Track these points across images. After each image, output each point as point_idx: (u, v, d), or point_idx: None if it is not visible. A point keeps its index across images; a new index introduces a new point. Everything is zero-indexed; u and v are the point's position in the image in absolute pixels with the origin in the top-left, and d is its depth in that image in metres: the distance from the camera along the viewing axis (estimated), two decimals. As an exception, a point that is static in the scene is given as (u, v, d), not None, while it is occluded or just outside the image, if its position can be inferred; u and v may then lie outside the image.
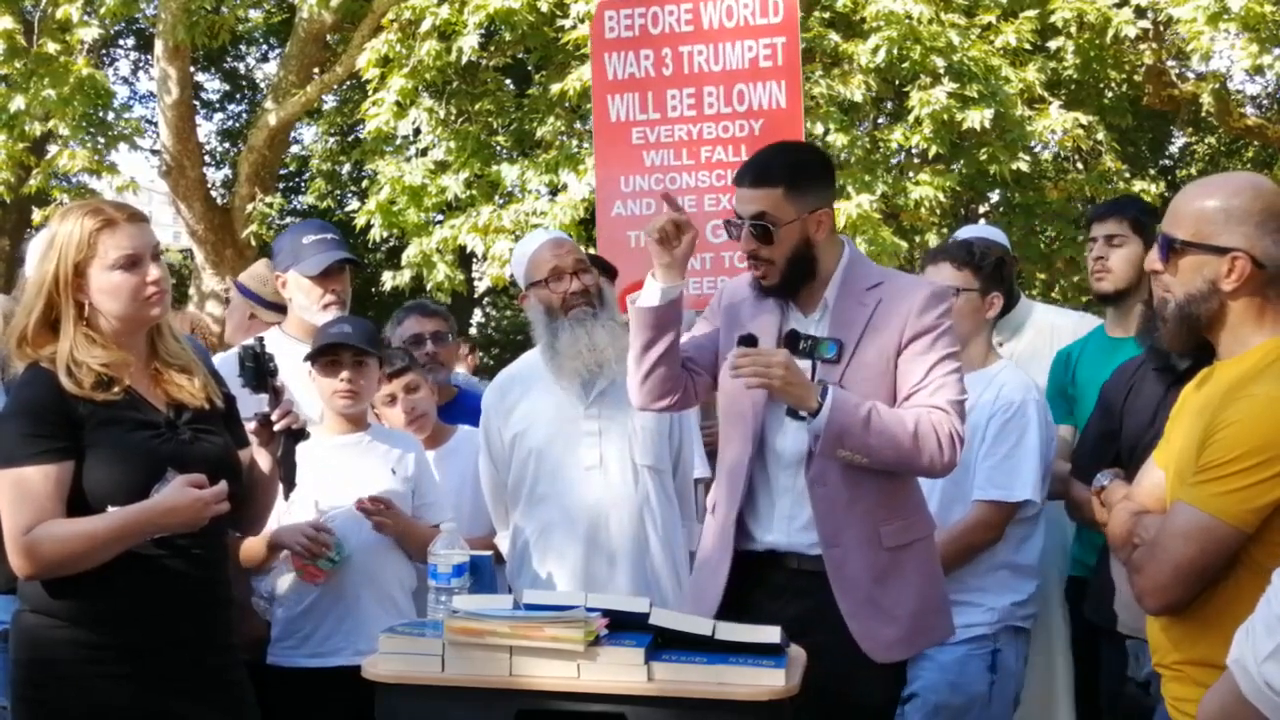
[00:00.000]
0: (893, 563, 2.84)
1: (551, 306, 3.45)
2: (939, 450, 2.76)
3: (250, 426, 2.87)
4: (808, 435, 2.79)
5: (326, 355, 3.36)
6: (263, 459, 2.88)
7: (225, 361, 3.45)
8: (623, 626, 2.49)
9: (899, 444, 2.74)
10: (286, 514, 3.26)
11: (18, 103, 9.30)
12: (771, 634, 2.47)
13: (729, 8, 4.64)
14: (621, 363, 3.21)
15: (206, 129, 16.55)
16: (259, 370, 2.90)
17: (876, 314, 2.86)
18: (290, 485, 2.98)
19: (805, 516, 2.86)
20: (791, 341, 2.81)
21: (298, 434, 2.91)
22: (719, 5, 4.63)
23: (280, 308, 4.18)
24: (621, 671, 2.37)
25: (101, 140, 10.24)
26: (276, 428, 2.86)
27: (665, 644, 2.47)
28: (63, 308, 2.60)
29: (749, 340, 2.77)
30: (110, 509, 2.52)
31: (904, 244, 9.01)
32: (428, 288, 9.34)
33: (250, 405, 2.93)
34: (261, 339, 3.08)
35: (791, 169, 2.88)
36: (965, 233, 4.40)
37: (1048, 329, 4.12)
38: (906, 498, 2.93)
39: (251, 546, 3.30)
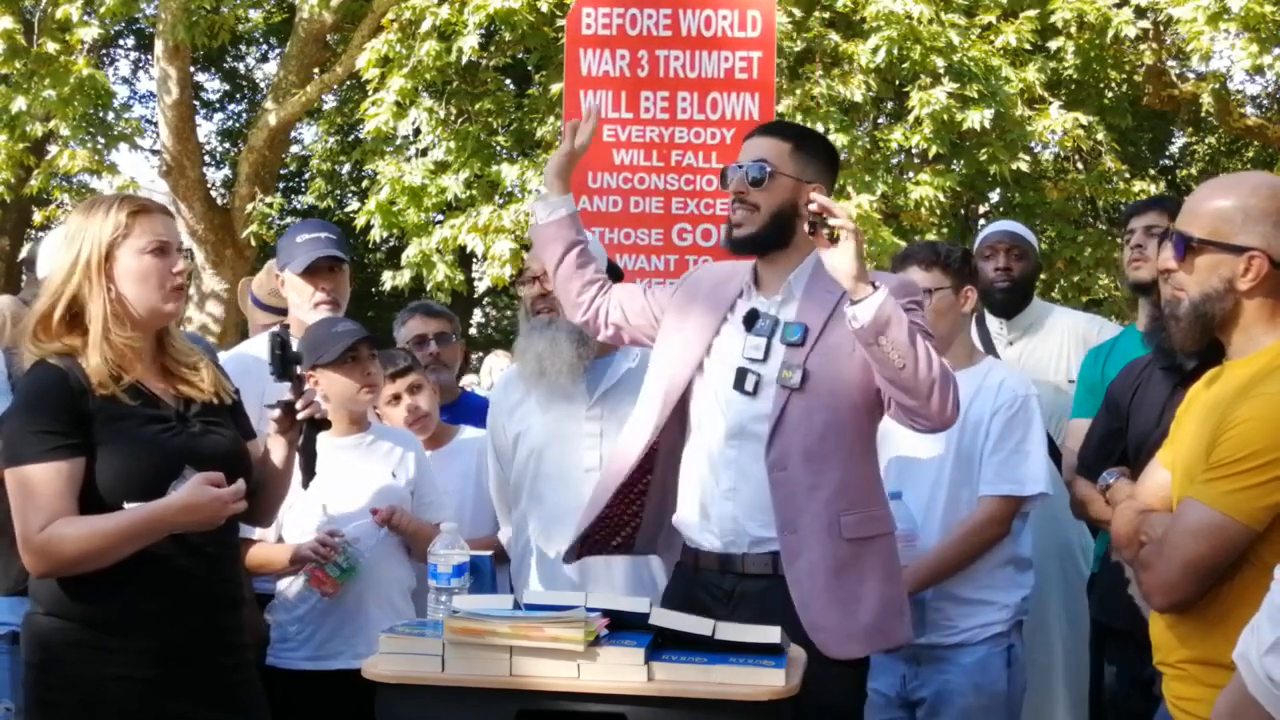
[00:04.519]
0: (852, 556, 2.75)
1: (526, 307, 3.53)
2: (947, 393, 2.65)
3: (273, 414, 2.87)
4: (847, 321, 2.64)
5: (349, 354, 3.33)
6: (278, 449, 2.87)
7: (230, 359, 3.45)
8: (623, 626, 2.48)
9: (921, 359, 2.61)
10: (289, 515, 3.25)
11: (18, 103, 9.29)
12: (772, 634, 2.46)
13: (708, 18, 4.67)
14: (562, 375, 3.29)
15: (206, 129, 16.59)
16: (285, 358, 2.91)
17: (844, 299, 2.74)
18: (310, 475, 2.98)
19: (754, 498, 2.80)
20: (750, 319, 2.84)
21: (319, 423, 2.92)
22: (698, 15, 4.67)
23: (275, 310, 4.18)
24: (621, 671, 2.36)
25: (101, 140, 10.25)
26: (300, 416, 2.86)
27: (665, 644, 2.46)
28: (92, 292, 2.58)
29: None
30: (127, 505, 2.51)
31: (904, 244, 9.00)
32: (427, 288, 9.34)
33: (272, 393, 2.94)
34: (287, 327, 3.10)
35: (803, 135, 3.03)
36: (992, 227, 4.41)
37: (1061, 331, 4.13)
38: (870, 490, 2.84)
39: (262, 555, 3.29)
